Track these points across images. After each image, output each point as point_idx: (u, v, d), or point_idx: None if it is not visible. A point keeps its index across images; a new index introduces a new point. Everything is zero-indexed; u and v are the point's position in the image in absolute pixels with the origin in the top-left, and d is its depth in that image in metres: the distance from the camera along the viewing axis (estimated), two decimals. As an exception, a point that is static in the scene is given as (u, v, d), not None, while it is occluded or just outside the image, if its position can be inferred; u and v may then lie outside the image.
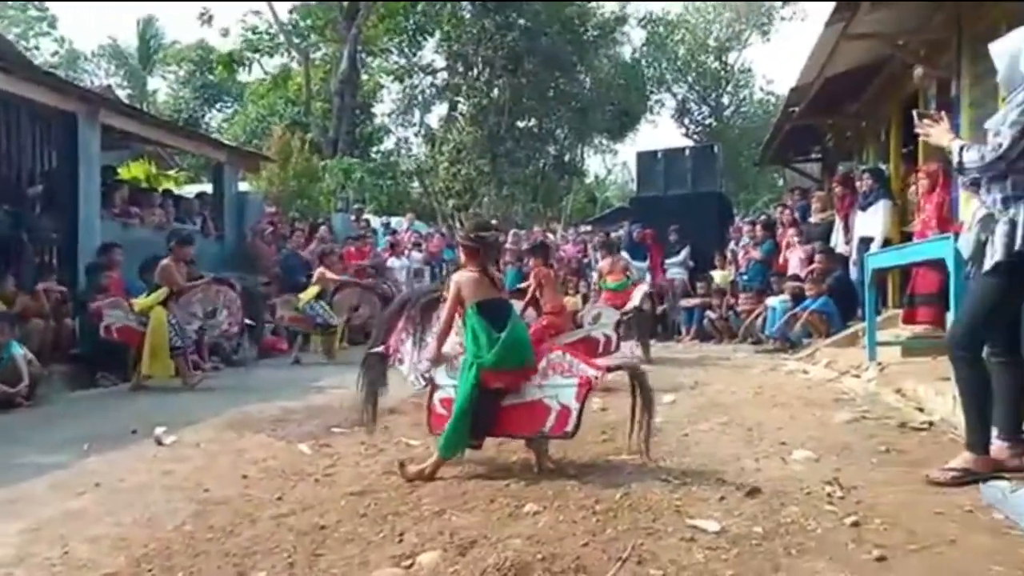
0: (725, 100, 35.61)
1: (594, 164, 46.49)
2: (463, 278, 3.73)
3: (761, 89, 35.60)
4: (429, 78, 27.68)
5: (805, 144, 14.62)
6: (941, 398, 4.54)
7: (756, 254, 11.01)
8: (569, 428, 3.58)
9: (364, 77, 25.86)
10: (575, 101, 25.94)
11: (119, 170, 11.59)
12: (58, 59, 31.80)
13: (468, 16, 24.63)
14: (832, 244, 9.28)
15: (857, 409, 4.96)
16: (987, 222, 3.13)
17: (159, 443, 4.55)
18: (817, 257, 9.22)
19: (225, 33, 27.47)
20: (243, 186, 14.63)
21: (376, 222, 16.29)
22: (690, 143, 28.99)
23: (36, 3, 31.07)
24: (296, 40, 24.95)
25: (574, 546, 2.63)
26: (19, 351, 6.26)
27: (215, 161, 12.32)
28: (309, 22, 24.67)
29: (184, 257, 7.48)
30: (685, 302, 11.90)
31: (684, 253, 12.37)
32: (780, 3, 32.53)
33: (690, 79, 34.51)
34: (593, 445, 4.18)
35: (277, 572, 2.57)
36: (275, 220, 12.99)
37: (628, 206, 17.81)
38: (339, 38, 23.03)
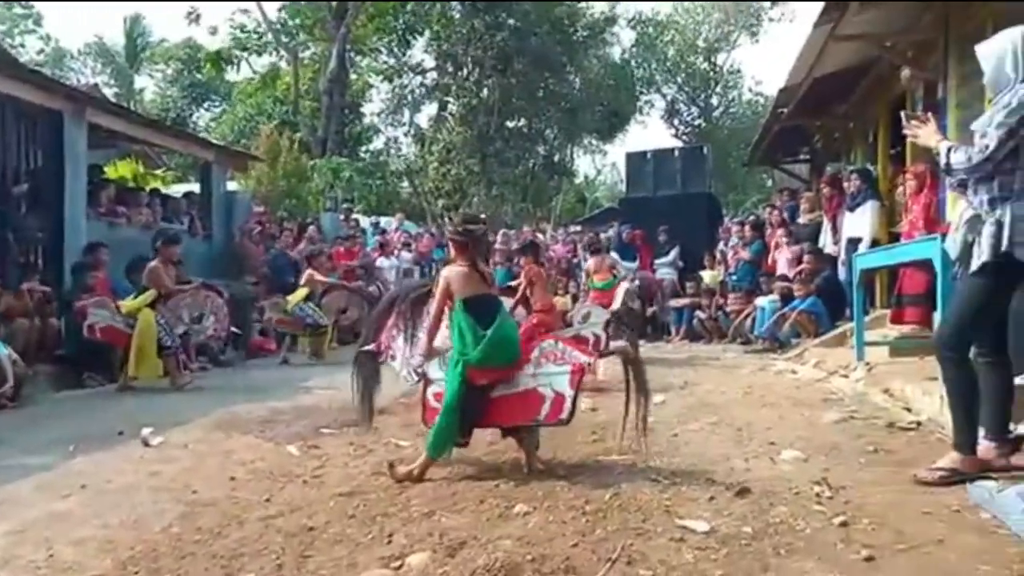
0: (714, 101, 35.77)
1: (584, 164, 46.68)
2: (452, 272, 3.72)
3: (750, 90, 35.87)
4: (418, 78, 27.69)
5: (793, 145, 14.68)
6: (928, 398, 4.56)
7: (745, 254, 11.05)
8: (564, 415, 3.57)
9: (353, 76, 25.83)
10: (565, 101, 25.99)
11: (106, 169, 11.50)
12: (44, 57, 31.55)
13: (458, 16, 24.62)
14: (820, 245, 9.33)
15: (845, 409, 4.99)
16: (974, 223, 3.15)
17: (146, 444, 4.52)
18: (806, 257, 9.26)
19: (213, 31, 27.43)
20: (231, 185, 14.54)
21: (365, 222, 16.24)
22: (679, 144, 29.07)
23: (22, 1, 30.81)
24: (285, 39, 24.85)
25: (564, 547, 2.63)
26: (3, 351, 6.18)
27: (203, 160, 12.23)
28: (298, 21, 24.56)
29: (171, 257, 7.43)
30: (674, 302, 11.92)
31: (673, 253, 12.40)
32: (769, 4, 32.73)
33: (679, 80, 34.63)
34: (583, 445, 4.18)
35: (265, 574, 2.55)
36: (263, 220, 12.94)
37: (617, 207, 17.85)
38: (328, 37, 22.95)
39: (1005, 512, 2.73)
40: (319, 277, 9.48)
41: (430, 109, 28.12)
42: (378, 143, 28.99)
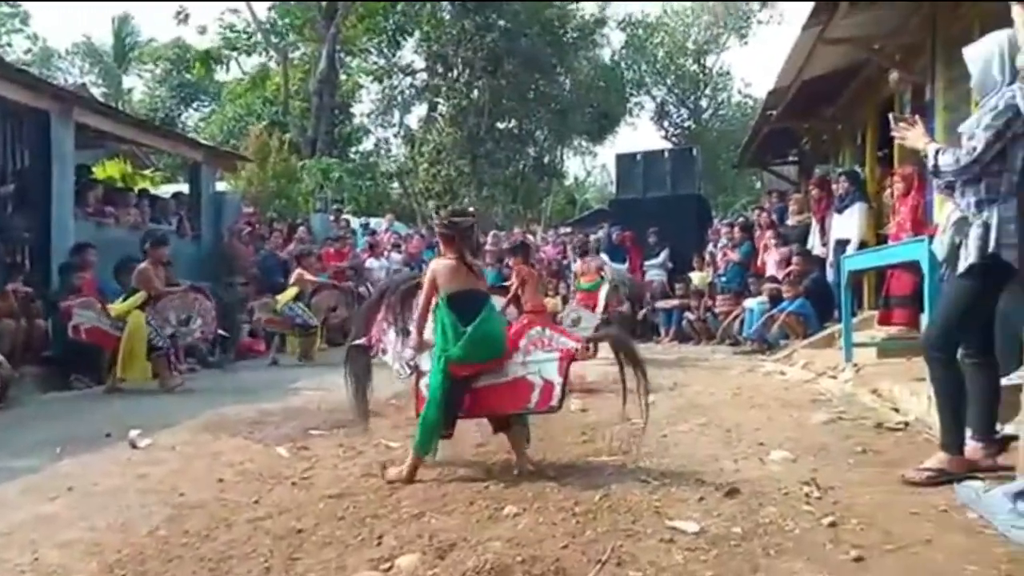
0: (704, 103, 35.90)
1: (574, 166, 46.73)
2: (439, 265, 3.71)
3: (739, 92, 36.00)
4: (408, 79, 27.65)
5: (782, 147, 14.75)
6: (916, 399, 4.59)
7: (734, 256, 11.10)
8: (554, 402, 3.58)
9: (343, 77, 25.76)
10: (555, 103, 26.01)
11: (94, 169, 11.42)
12: (31, 56, 31.20)
13: (448, 17, 24.60)
14: (809, 246, 9.38)
15: (834, 410, 5.01)
16: (961, 225, 3.18)
17: (133, 446, 4.48)
18: (794, 259, 9.31)
19: (202, 31, 27.20)
20: (221, 186, 14.49)
21: (355, 223, 16.20)
22: (669, 145, 29.11)
23: (8, 0, 30.56)
24: (274, 39, 24.77)
25: (554, 548, 2.63)
26: (-11, 353, 6.15)
27: (192, 161, 12.17)
28: (287, 21, 24.47)
29: (159, 258, 7.39)
30: (664, 303, 11.95)
31: (663, 255, 12.44)
32: (758, 6, 32.89)
33: (669, 82, 34.73)
34: (573, 446, 4.19)
35: (253, 577, 2.54)
36: (253, 220, 12.87)
37: (607, 208, 17.86)
38: (318, 37, 22.90)
39: (992, 512, 2.74)
40: (309, 276, 9.47)
41: (420, 110, 28.16)
42: (368, 144, 28.95)
